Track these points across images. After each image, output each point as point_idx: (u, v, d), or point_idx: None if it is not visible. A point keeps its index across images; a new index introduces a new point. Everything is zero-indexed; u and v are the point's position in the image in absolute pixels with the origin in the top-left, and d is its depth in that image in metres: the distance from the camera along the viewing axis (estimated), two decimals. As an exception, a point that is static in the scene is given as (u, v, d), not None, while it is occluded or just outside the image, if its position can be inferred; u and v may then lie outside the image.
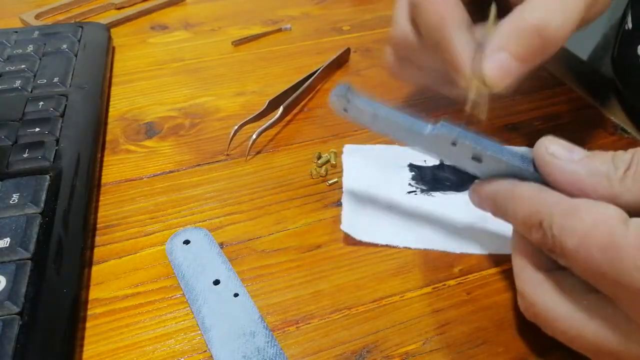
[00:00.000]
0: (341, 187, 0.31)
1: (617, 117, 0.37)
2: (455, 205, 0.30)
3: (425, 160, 0.33)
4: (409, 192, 0.31)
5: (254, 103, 0.38)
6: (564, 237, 0.18)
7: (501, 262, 0.27)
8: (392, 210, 0.30)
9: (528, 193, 0.20)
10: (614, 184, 0.18)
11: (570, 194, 0.19)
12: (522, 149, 0.24)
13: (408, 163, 0.33)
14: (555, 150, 0.19)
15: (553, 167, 0.19)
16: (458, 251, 0.27)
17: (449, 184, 0.31)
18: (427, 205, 0.30)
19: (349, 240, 0.28)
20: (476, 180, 0.23)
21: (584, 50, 0.52)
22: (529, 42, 0.22)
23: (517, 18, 0.23)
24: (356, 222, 0.28)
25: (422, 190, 0.31)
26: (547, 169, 0.20)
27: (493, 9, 0.25)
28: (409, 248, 0.28)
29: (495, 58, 0.23)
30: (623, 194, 0.18)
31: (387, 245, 0.28)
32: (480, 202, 0.23)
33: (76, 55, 0.40)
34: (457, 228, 0.29)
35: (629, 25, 0.38)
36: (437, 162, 0.33)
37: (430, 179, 0.32)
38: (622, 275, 0.16)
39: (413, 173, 0.32)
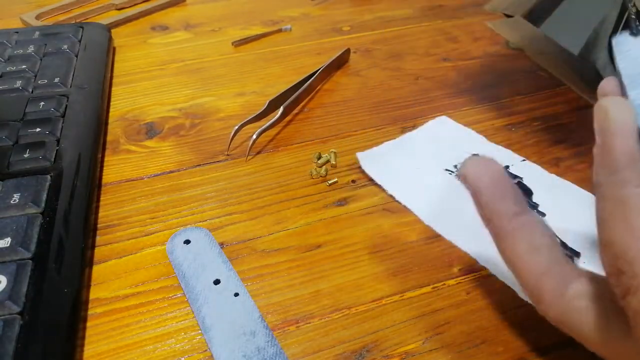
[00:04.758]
0: (341, 187, 0.31)
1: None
2: None
3: None
4: (446, 170, 0.31)
5: (254, 103, 0.38)
6: None
7: (501, 261, 0.27)
8: (414, 172, 0.30)
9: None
10: None
11: None
12: None
13: (472, 153, 0.32)
14: None
15: None
16: (440, 232, 0.28)
17: None
18: (451, 186, 0.30)
19: (359, 169, 0.31)
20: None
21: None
22: None
23: None
24: (375, 159, 0.30)
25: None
26: None
27: None
28: (400, 203, 0.29)
29: None
30: None
31: (382, 189, 0.29)
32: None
33: (77, 56, 0.40)
34: (456, 214, 0.28)
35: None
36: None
37: None
38: None
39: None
